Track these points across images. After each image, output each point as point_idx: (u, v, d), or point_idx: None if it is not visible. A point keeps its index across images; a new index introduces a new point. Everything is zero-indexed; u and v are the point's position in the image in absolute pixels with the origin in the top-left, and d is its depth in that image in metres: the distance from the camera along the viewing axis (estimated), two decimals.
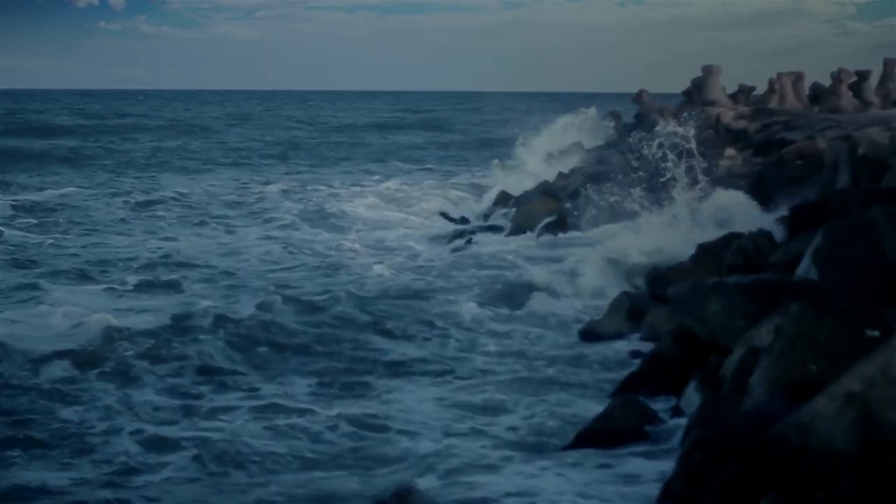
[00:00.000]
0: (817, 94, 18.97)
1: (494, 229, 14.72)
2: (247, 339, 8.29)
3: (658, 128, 13.04)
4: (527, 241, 13.49)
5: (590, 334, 8.22)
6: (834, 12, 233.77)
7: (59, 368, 7.21)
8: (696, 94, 18.51)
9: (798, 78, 18.94)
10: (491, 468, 5.38)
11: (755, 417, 3.88)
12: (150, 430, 6.15)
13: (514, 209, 15.42)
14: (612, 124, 21.66)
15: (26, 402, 6.56)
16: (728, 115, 15.29)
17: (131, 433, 6.09)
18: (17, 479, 5.38)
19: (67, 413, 6.39)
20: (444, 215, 17.05)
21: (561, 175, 16.70)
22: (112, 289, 10.64)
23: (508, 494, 4.90)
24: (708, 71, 18.25)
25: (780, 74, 18.78)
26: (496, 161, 20.55)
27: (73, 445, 5.88)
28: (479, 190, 19.56)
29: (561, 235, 12.96)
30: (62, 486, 5.29)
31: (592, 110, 21.63)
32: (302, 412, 6.53)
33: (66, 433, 6.05)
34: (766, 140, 12.42)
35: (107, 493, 5.21)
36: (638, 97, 20.51)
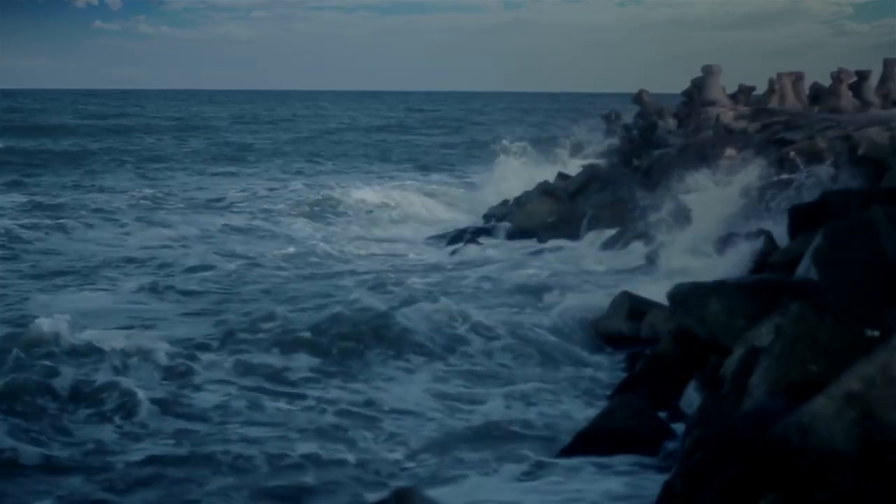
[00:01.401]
0: (817, 94, 18.90)
1: (495, 230, 14.71)
2: (243, 328, 8.40)
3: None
4: (528, 241, 13.50)
5: (590, 334, 8.21)
6: (831, 13, 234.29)
7: (51, 358, 7.19)
8: (696, 94, 18.42)
9: (798, 78, 18.85)
10: (487, 470, 5.36)
11: (755, 417, 3.88)
12: (134, 411, 6.20)
13: (514, 209, 15.40)
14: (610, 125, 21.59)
15: (9, 386, 6.56)
16: (728, 115, 15.20)
17: (114, 415, 6.15)
18: None
19: (48, 395, 6.39)
20: (445, 215, 17.05)
21: (561, 175, 16.68)
22: (113, 286, 10.65)
23: (503, 499, 4.89)
24: (708, 71, 18.13)
25: (780, 74, 18.69)
26: (498, 161, 20.55)
27: (49, 424, 5.92)
28: (481, 190, 19.54)
29: (562, 241, 12.93)
30: (31, 463, 5.34)
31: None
32: (292, 397, 6.56)
33: (45, 412, 6.08)
34: (766, 140, 12.36)
35: (79, 475, 5.23)
36: (638, 97, 20.40)
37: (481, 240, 13.97)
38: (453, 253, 13.15)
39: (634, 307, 8.16)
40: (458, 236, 14.30)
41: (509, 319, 8.59)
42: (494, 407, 6.47)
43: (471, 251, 13.11)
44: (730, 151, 11.34)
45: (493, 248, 13.32)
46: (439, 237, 14.53)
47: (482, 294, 9.93)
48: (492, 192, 18.18)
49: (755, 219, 9.20)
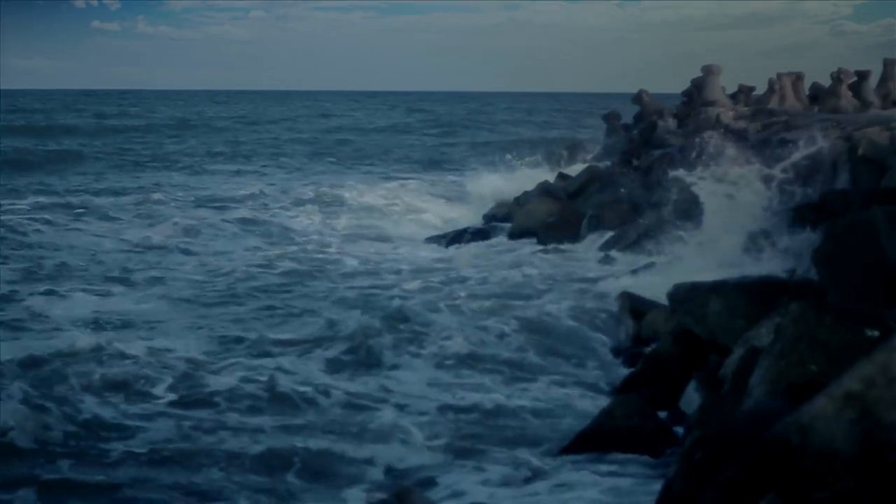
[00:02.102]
0: (817, 95, 18.83)
1: (495, 230, 14.71)
2: (251, 325, 8.57)
3: None
4: (528, 242, 13.50)
5: (591, 333, 8.22)
6: (830, 13, 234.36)
7: (61, 357, 7.21)
8: (696, 95, 18.34)
9: (798, 78, 18.76)
10: (487, 469, 5.36)
11: (754, 417, 3.88)
12: (144, 400, 6.29)
13: (514, 209, 15.39)
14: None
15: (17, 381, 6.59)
16: (728, 116, 15.11)
17: (115, 397, 6.25)
18: None
19: (56, 387, 6.43)
20: (446, 215, 17.05)
21: (561, 175, 16.67)
22: (120, 286, 10.65)
23: (503, 501, 4.89)
24: (708, 71, 18.02)
25: (780, 74, 18.60)
26: (506, 160, 20.50)
27: (52, 413, 5.95)
28: (482, 190, 19.50)
29: (563, 241, 12.90)
30: (26, 446, 5.43)
31: None
32: (299, 391, 6.60)
33: (52, 402, 6.12)
34: (765, 140, 12.20)
35: (70, 460, 5.28)
36: (638, 97, 20.28)
37: (481, 240, 13.97)
38: (454, 253, 13.15)
39: (635, 307, 8.16)
40: (458, 236, 14.30)
41: (510, 318, 8.60)
42: (498, 403, 6.47)
43: (471, 251, 13.11)
44: (730, 151, 10.91)
45: (493, 248, 13.32)
46: (440, 237, 14.54)
47: (482, 293, 9.93)
48: (492, 193, 18.13)
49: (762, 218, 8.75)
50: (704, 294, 6.26)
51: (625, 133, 20.08)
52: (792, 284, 5.60)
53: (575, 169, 17.49)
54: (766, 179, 9.32)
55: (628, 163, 14.93)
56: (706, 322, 6.13)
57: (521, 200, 15.56)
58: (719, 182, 9.64)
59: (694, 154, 10.56)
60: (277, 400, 6.44)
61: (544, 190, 15.28)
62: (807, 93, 19.03)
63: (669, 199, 10.34)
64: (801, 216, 7.35)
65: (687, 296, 6.64)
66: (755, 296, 5.81)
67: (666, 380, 6.32)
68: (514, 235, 14.03)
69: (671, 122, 17.40)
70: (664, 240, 10.19)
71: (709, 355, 5.92)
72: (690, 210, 9.70)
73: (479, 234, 14.40)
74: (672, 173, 10.36)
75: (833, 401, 3.09)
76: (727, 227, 8.90)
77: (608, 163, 17.12)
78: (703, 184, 9.73)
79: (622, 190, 13.37)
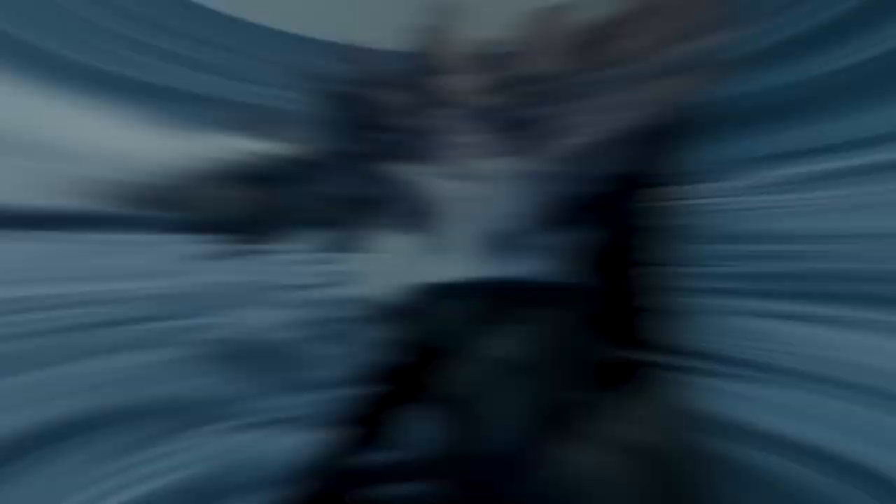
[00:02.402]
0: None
1: (137, 220, 12.18)
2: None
3: None
4: (190, 239, 11.37)
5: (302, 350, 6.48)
6: None
7: None
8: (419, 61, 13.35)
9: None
10: None
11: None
12: None
13: (173, 192, 13.01)
14: None
15: None
16: (466, 84, 10.35)
17: None
18: None
19: None
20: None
21: (239, 155, 14.58)
22: None
23: None
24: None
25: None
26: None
27: None
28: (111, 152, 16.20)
29: (245, 241, 10.96)
30: None
31: None
32: None
33: None
34: (530, 118, 8.12)
35: None
36: (346, 56, 17.22)
37: (115, 234, 11.40)
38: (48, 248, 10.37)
39: (372, 316, 6.58)
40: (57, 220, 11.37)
41: (172, 339, 6.52)
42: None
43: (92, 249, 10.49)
44: (468, 139, 7.82)
45: (136, 247, 10.91)
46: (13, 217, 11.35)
47: (123, 311, 7.61)
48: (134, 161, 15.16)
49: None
50: (426, 297, 4.81)
51: (329, 105, 17.55)
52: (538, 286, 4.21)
53: (259, 148, 15.31)
54: (529, 175, 7.45)
55: (333, 148, 13.06)
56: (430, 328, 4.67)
57: (185, 181, 13.22)
58: (460, 179, 7.69)
59: (420, 142, 8.80)
60: None
61: (225, 171, 13.11)
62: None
63: (381, 198, 8.64)
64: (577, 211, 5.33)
65: (407, 302, 5.17)
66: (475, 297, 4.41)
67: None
68: (170, 229, 11.71)
69: (393, 96, 14.05)
70: (368, 245, 8.59)
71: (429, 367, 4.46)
72: (415, 211, 7.98)
73: (115, 224, 11.72)
74: (388, 166, 8.64)
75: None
76: (458, 231, 7.07)
77: (304, 144, 15.22)
78: (429, 180, 8.03)
79: (306, 188, 11.71)
